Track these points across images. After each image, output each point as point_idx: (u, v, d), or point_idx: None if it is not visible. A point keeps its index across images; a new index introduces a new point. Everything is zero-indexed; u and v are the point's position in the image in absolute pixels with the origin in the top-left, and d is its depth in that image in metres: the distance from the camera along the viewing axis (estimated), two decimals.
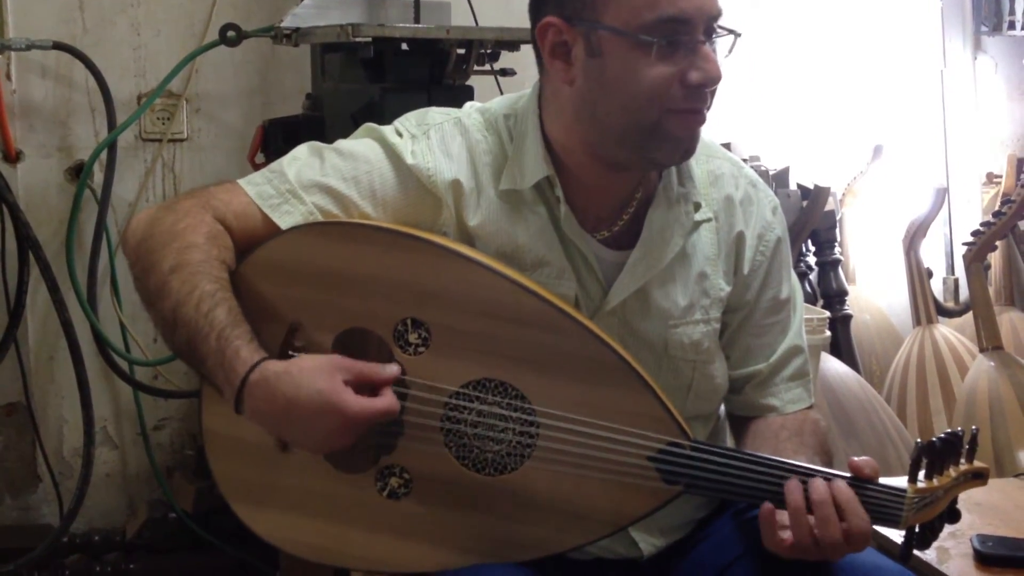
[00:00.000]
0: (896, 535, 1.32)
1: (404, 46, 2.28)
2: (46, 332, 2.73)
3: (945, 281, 3.28)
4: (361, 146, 1.44)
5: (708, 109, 1.37)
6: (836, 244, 2.98)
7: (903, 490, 1.29)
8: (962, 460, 1.33)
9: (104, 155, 2.66)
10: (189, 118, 2.79)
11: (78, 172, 2.69)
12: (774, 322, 1.52)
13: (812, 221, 2.85)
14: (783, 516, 1.29)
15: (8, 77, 2.65)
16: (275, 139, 2.48)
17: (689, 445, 1.33)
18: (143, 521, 2.75)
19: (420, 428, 1.35)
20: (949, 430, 1.32)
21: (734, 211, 1.48)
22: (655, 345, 1.45)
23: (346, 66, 2.36)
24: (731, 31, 1.36)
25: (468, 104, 1.51)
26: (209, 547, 2.69)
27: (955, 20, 3.31)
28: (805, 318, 2.34)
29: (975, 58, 3.33)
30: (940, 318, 3.02)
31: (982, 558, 1.62)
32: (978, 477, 1.34)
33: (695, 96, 1.33)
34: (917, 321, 3.00)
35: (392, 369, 1.31)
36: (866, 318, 3.11)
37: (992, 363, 2.67)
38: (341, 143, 1.46)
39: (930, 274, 3.07)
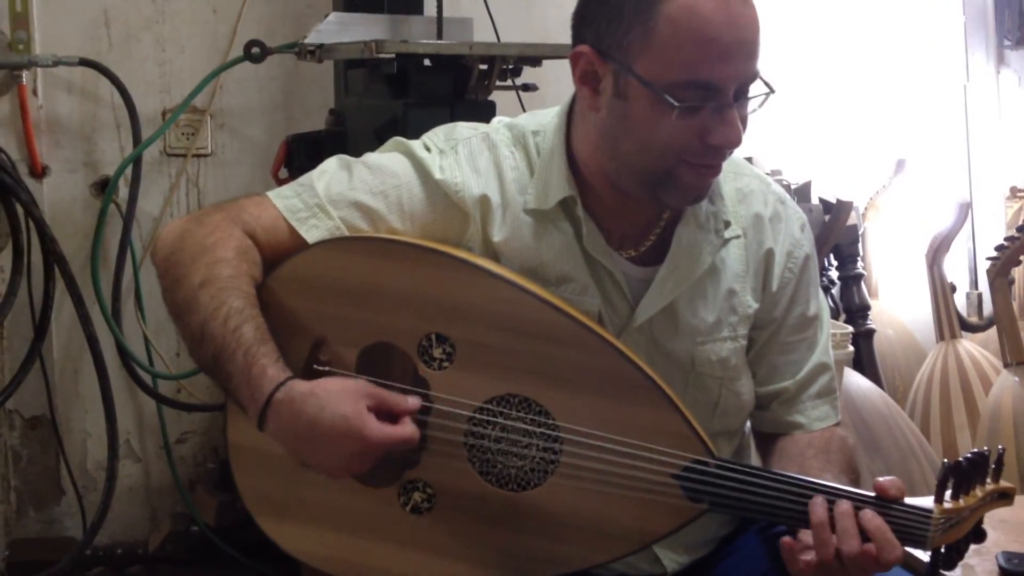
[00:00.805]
0: (922, 554, 1.31)
1: (427, 62, 2.29)
2: (71, 346, 2.75)
3: (969, 296, 3.26)
4: (390, 160, 1.44)
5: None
6: (859, 258, 2.97)
7: (929, 510, 1.29)
8: (988, 480, 1.32)
9: (129, 170, 2.68)
10: (213, 133, 2.81)
11: (103, 187, 2.71)
12: (801, 339, 1.51)
13: (834, 235, 2.84)
14: (806, 536, 1.29)
15: (35, 93, 2.68)
16: (299, 154, 2.49)
17: (714, 463, 1.32)
18: (166, 534, 2.77)
19: (444, 443, 1.35)
20: (976, 450, 1.32)
21: (763, 228, 1.48)
22: (683, 362, 1.45)
23: (369, 82, 2.37)
24: (765, 90, 1.36)
25: (496, 119, 1.51)
26: (231, 561, 2.70)
27: (978, 34, 3.30)
28: None
29: (998, 72, 3.32)
30: (964, 333, 3.01)
31: None
32: (1004, 497, 1.33)
33: (713, 154, 1.34)
34: (940, 336, 2.98)
35: (414, 401, 1.31)
36: (889, 333, 3.10)
37: (1016, 378, 2.65)
38: (370, 157, 1.46)
39: (953, 289, 3.05)
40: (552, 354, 1.34)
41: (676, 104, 1.28)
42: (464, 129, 1.48)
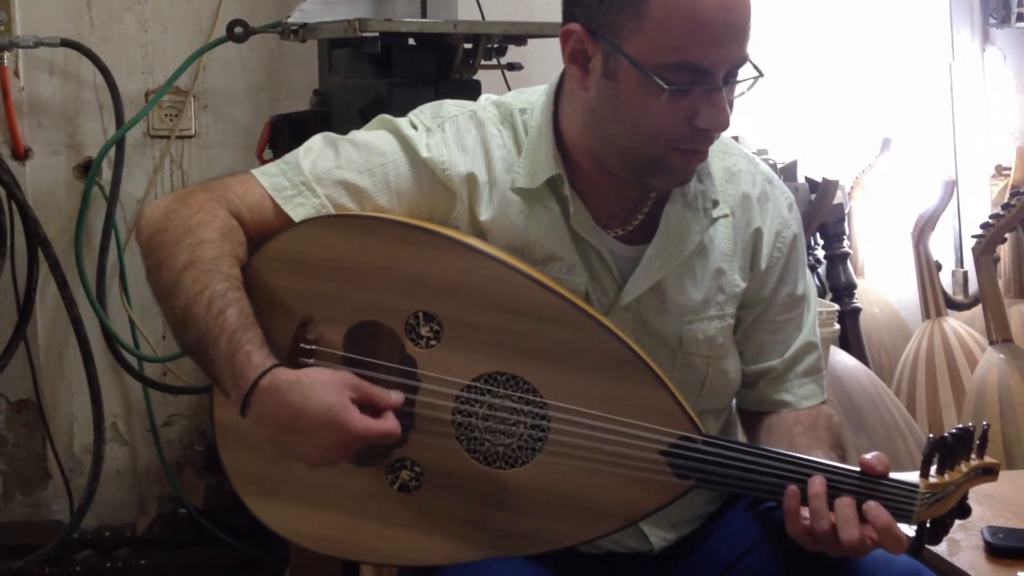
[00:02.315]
0: (908, 529, 1.31)
1: (411, 41, 2.28)
2: (55, 329, 2.74)
3: (954, 274, 3.27)
4: (376, 138, 1.43)
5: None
6: (845, 237, 2.97)
7: (916, 485, 1.29)
8: (973, 456, 1.33)
9: (112, 152, 2.67)
10: (197, 115, 2.79)
11: (86, 169, 2.70)
12: (789, 318, 1.51)
13: (821, 214, 2.84)
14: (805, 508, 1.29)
15: (16, 75, 2.66)
16: (283, 135, 2.48)
17: (701, 440, 1.32)
18: (153, 517, 2.77)
19: (431, 421, 1.35)
20: (961, 425, 1.32)
21: (751, 208, 1.48)
22: (670, 341, 1.45)
23: (353, 61, 2.36)
24: (755, 74, 1.35)
25: (483, 97, 1.50)
26: (219, 543, 2.70)
27: (963, 12, 3.30)
28: None
29: (983, 50, 3.32)
30: (949, 311, 3.02)
31: (993, 550, 1.62)
32: (988, 473, 1.33)
33: (701, 138, 1.33)
34: (926, 314, 2.99)
35: (398, 396, 1.32)
36: (875, 311, 3.10)
37: (1002, 356, 2.66)
38: (356, 134, 1.45)
39: (939, 267, 3.06)
40: (540, 332, 1.33)
41: (665, 86, 1.28)
42: (451, 107, 1.47)
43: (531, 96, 1.47)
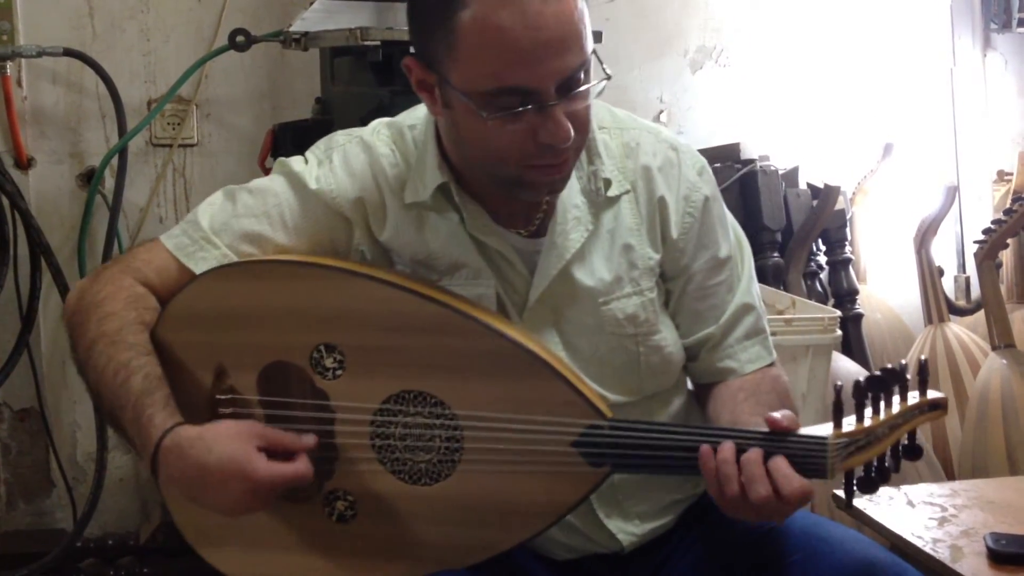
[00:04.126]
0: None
1: (412, 49, 2.28)
2: (59, 337, 2.74)
3: (956, 279, 3.27)
4: (270, 182, 1.48)
5: (578, 152, 1.36)
6: (847, 243, 2.98)
7: (823, 438, 1.23)
8: (912, 393, 1.27)
9: (115, 161, 2.67)
10: (199, 123, 2.80)
11: (89, 178, 2.71)
12: (718, 282, 1.49)
13: (822, 220, 2.85)
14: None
15: (19, 84, 2.67)
16: (285, 143, 2.49)
17: (607, 425, 1.31)
18: (156, 525, 2.76)
19: (353, 449, 1.37)
20: (887, 365, 1.26)
21: (652, 178, 1.47)
22: (590, 326, 1.45)
23: (355, 70, 2.37)
24: (601, 79, 1.32)
25: (376, 120, 1.52)
26: None
27: (964, 18, 3.30)
28: (816, 317, 2.37)
29: (985, 55, 3.33)
30: (952, 316, 3.02)
31: (996, 556, 1.61)
32: (936, 408, 1.28)
33: (550, 153, 1.31)
34: (929, 320, 2.99)
35: (309, 438, 1.34)
36: (877, 317, 3.10)
37: (1004, 361, 2.66)
38: (253, 183, 1.49)
39: (941, 272, 3.06)
40: (436, 345, 1.34)
41: (485, 115, 1.28)
42: (340, 136, 1.50)
43: (420, 111, 1.48)
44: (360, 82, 2.34)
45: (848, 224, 3.02)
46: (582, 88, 1.30)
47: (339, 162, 1.46)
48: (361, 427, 1.36)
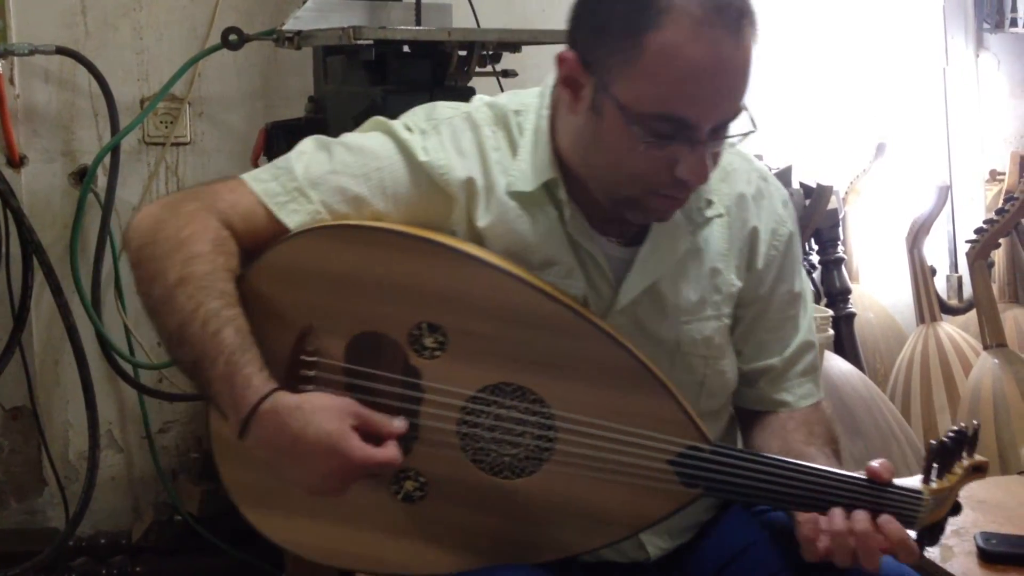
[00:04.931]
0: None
1: (406, 48, 2.28)
2: (51, 336, 2.74)
3: (949, 279, 3.28)
4: (371, 141, 1.41)
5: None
6: (839, 242, 2.98)
7: (920, 492, 1.29)
8: (964, 455, 1.33)
9: (107, 159, 2.67)
10: (192, 122, 2.79)
11: (82, 176, 2.70)
12: (788, 316, 1.50)
13: (815, 220, 2.85)
14: (819, 522, 1.29)
15: (11, 82, 2.66)
16: (278, 142, 2.48)
17: (709, 449, 1.32)
18: (149, 524, 2.76)
19: (436, 432, 1.33)
20: (955, 428, 1.32)
21: (746, 207, 1.47)
22: (667, 342, 1.43)
23: (348, 69, 2.36)
24: (749, 128, 1.32)
25: (476, 98, 1.47)
26: (214, 549, 2.70)
27: (957, 17, 3.31)
28: None
29: (977, 55, 3.33)
30: (944, 316, 3.02)
31: (986, 556, 1.62)
32: (979, 471, 1.34)
33: (679, 187, 1.31)
34: (921, 319, 3.00)
35: (400, 424, 1.30)
36: (870, 316, 3.11)
37: (996, 360, 2.67)
38: (349, 137, 1.43)
39: (933, 272, 3.06)
40: (546, 342, 1.32)
41: (642, 138, 1.26)
42: (445, 109, 1.44)
43: (525, 98, 1.44)
44: (353, 81, 2.34)
45: (841, 223, 3.02)
46: (731, 136, 1.30)
47: (448, 136, 1.40)
48: (450, 411, 1.33)
